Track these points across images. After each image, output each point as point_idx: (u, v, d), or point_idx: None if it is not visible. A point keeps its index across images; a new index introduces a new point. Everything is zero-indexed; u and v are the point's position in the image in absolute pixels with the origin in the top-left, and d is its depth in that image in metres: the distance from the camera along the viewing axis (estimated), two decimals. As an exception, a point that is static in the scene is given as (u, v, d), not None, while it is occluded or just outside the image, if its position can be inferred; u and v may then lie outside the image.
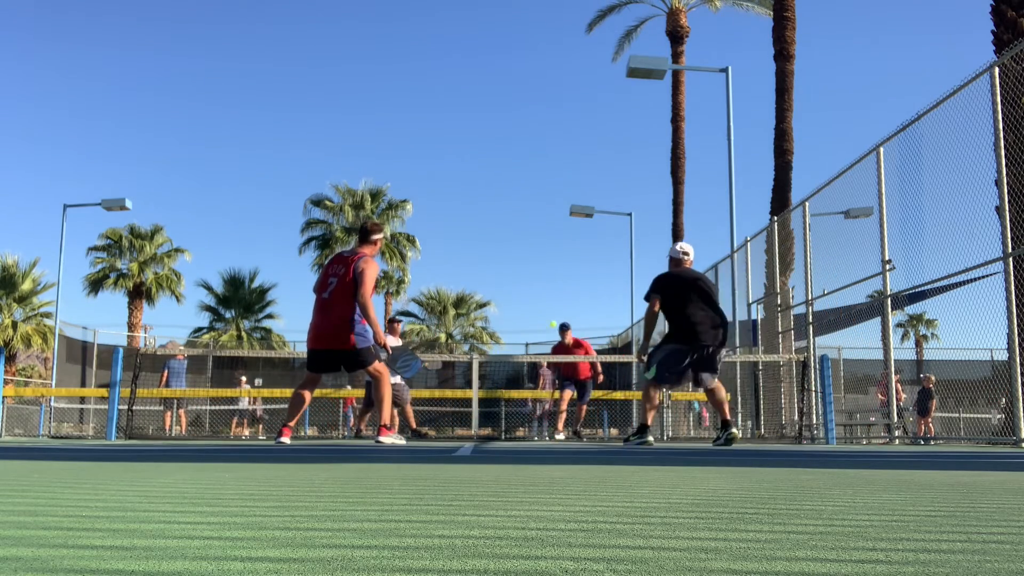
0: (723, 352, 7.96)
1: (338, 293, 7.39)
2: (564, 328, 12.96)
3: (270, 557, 1.07)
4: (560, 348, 12.99)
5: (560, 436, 12.68)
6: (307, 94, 77.48)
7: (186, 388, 18.04)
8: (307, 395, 7.74)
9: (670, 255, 8.25)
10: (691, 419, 18.79)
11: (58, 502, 1.79)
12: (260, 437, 15.68)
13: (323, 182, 74.45)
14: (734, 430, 7.88)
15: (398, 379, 11.66)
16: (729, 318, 16.15)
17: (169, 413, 17.89)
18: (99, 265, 36.85)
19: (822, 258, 12.69)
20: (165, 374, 17.72)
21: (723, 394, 8.16)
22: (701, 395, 17.29)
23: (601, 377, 13.08)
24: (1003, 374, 8.85)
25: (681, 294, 7.84)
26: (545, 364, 18.28)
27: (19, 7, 67.03)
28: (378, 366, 7.60)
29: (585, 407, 13.25)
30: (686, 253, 8.17)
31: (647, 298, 7.98)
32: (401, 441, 8.10)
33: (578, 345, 12.89)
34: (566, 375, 12.95)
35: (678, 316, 7.86)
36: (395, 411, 12.08)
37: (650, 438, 7.95)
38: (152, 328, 38.46)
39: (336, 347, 7.43)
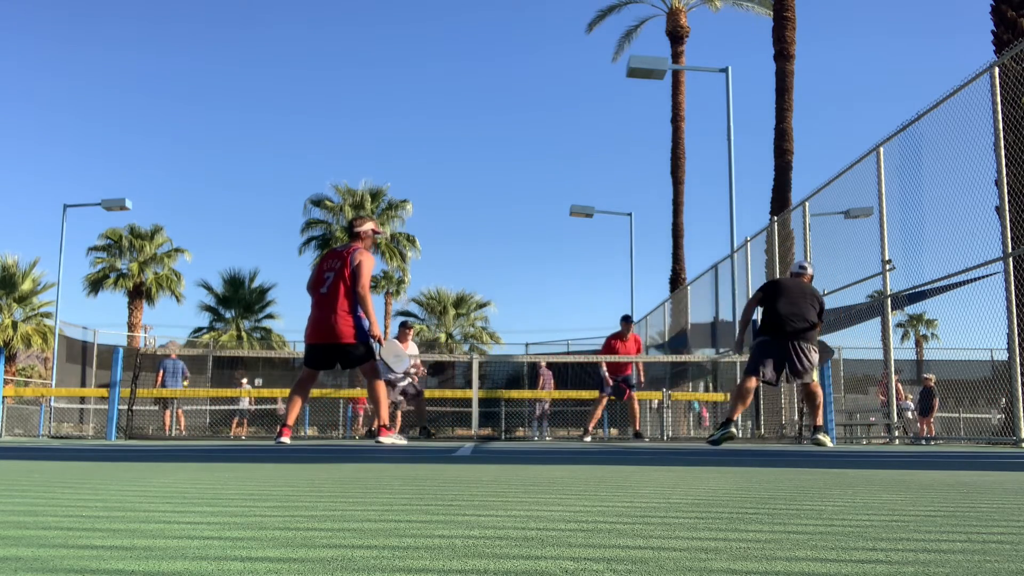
0: (812, 351, 8.17)
1: (336, 287, 7.39)
2: (628, 320, 12.82)
3: (270, 557, 1.07)
4: (617, 340, 12.66)
5: (588, 439, 12.59)
6: (307, 95, 77.55)
7: (183, 387, 17.98)
8: (305, 393, 7.72)
9: (791, 268, 8.86)
10: (691, 419, 18.79)
11: (58, 502, 1.79)
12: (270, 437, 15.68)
13: (323, 182, 74.57)
14: (821, 436, 8.08)
15: (408, 381, 11.63)
16: (729, 318, 16.16)
17: (168, 413, 17.86)
18: (99, 265, 36.87)
19: (822, 258, 12.69)
20: (160, 374, 17.69)
21: (819, 399, 8.38)
22: (701, 395, 17.31)
23: (643, 377, 13.02)
24: (1003, 374, 8.85)
25: (778, 295, 8.28)
26: (544, 364, 18.28)
27: (19, 7, 67.02)
28: (373, 365, 7.58)
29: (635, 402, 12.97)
30: (803, 268, 8.70)
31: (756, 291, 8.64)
32: (402, 441, 8.10)
33: (635, 340, 12.82)
34: (616, 372, 12.70)
35: (769, 311, 8.29)
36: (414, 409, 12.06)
37: (733, 431, 8.15)
38: (152, 328, 38.52)
39: (335, 341, 7.40)
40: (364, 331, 7.47)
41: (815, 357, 8.23)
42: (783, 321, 8.12)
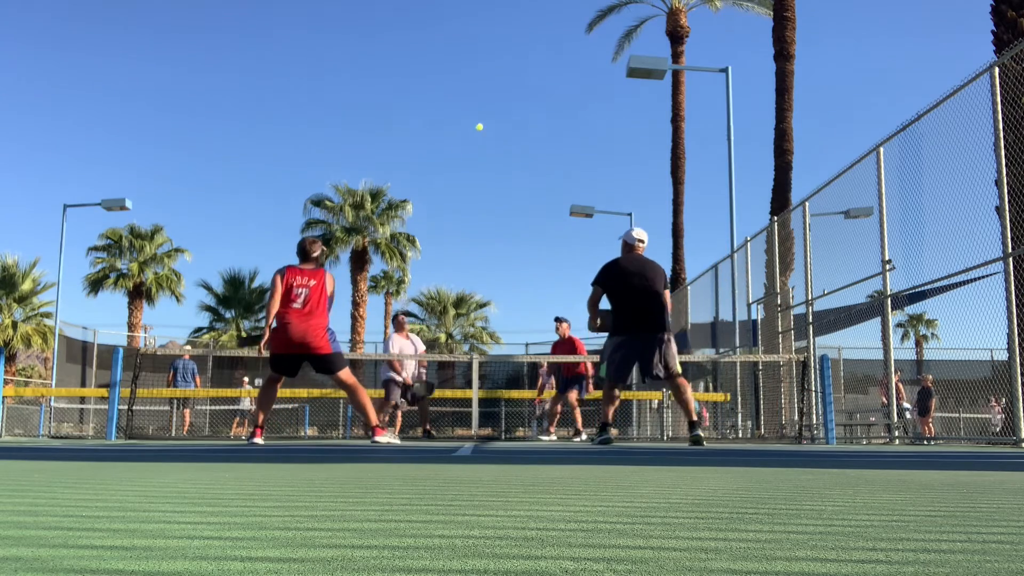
0: (667, 342, 7.65)
1: (312, 303, 7.63)
2: (558, 321, 12.46)
3: (270, 557, 1.07)
4: (557, 344, 12.55)
5: (549, 438, 12.20)
6: (307, 95, 77.57)
7: (196, 388, 18.04)
8: (275, 394, 8.01)
9: (624, 239, 8.11)
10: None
11: (58, 502, 1.79)
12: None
13: (323, 182, 74.46)
14: (700, 432, 7.62)
15: (415, 383, 11.70)
16: (729, 318, 16.16)
17: (187, 411, 18.01)
18: (99, 265, 36.85)
19: (822, 258, 12.69)
20: (171, 374, 17.76)
21: (688, 392, 7.87)
22: (701, 395, 17.29)
23: (590, 376, 12.62)
24: (1003, 374, 8.85)
25: (623, 283, 7.70)
26: (545, 364, 18.29)
27: (21, 13, 67.04)
28: (347, 372, 7.82)
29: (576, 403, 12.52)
30: (641, 240, 8.00)
31: (592, 285, 7.94)
32: (396, 440, 8.24)
33: (569, 342, 12.39)
34: (560, 372, 12.57)
35: (618, 306, 7.74)
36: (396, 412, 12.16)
37: (610, 435, 7.79)
38: (152, 328, 38.53)
39: (309, 352, 7.65)
40: (337, 343, 7.78)
41: (674, 348, 7.74)
42: (636, 318, 7.61)
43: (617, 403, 8.11)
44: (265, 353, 7.92)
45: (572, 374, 12.27)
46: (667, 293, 7.91)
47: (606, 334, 8.07)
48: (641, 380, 7.84)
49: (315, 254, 7.90)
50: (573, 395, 12.34)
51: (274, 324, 7.69)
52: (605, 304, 8.05)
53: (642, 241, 8.03)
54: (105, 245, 36.92)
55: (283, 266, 7.75)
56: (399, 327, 12.01)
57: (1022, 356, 8.06)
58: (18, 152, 70.27)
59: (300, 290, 7.65)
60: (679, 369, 7.82)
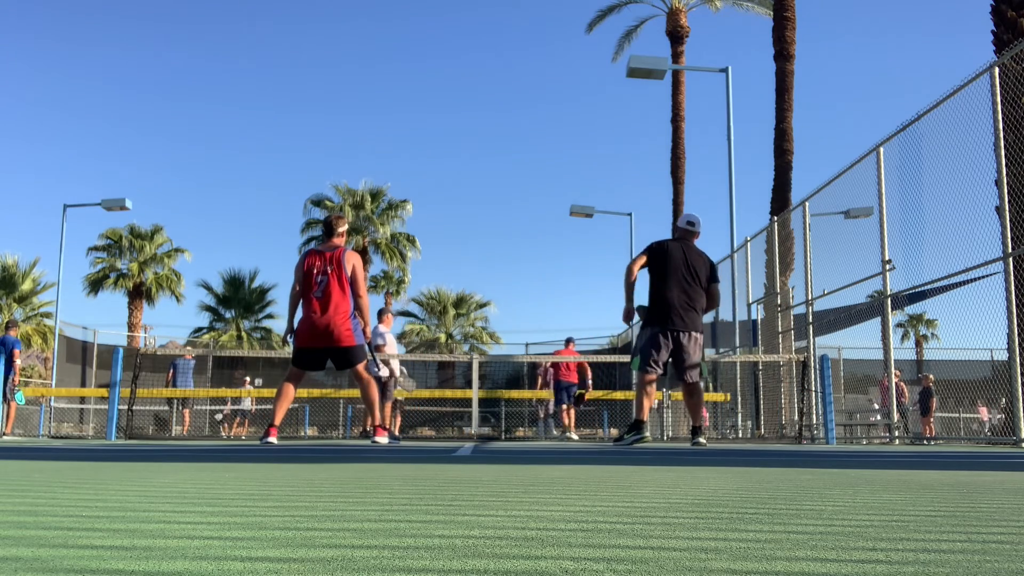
0: (701, 344, 7.46)
1: (332, 290, 7.44)
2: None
3: (270, 557, 1.07)
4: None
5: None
6: (307, 94, 77.53)
7: (195, 388, 18.08)
8: (293, 391, 7.73)
9: (678, 223, 7.77)
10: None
11: (58, 502, 1.79)
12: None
13: (323, 182, 74.36)
14: (702, 439, 7.50)
15: (385, 372, 11.80)
16: (729, 318, 16.16)
17: (187, 412, 18.06)
18: (99, 265, 36.89)
19: (822, 258, 12.70)
20: (171, 373, 17.76)
21: (701, 397, 7.67)
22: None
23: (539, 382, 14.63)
24: (1003, 374, 8.85)
25: (667, 268, 7.38)
26: (546, 364, 18.34)
27: (20, 7, 67.02)
28: (366, 366, 7.69)
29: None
30: (691, 224, 7.67)
31: (641, 253, 7.62)
32: (397, 440, 8.21)
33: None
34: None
35: (656, 293, 7.43)
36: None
37: (647, 435, 7.51)
38: (152, 328, 38.51)
39: (335, 345, 7.46)
40: (361, 333, 7.57)
41: (702, 350, 7.51)
42: (673, 312, 7.29)
43: (654, 397, 7.74)
44: (287, 348, 7.79)
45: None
46: (716, 287, 7.60)
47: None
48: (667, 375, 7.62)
49: (341, 229, 7.73)
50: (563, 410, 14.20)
51: (299, 315, 7.55)
52: (643, 300, 7.72)
53: (692, 224, 7.64)
54: (105, 245, 36.96)
55: (307, 249, 7.64)
56: (388, 320, 12.43)
57: (1022, 356, 8.06)
58: (18, 150, 70.22)
59: (320, 278, 7.46)
60: (704, 372, 7.59)
